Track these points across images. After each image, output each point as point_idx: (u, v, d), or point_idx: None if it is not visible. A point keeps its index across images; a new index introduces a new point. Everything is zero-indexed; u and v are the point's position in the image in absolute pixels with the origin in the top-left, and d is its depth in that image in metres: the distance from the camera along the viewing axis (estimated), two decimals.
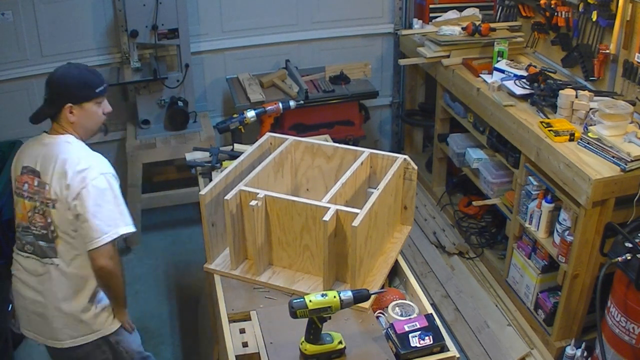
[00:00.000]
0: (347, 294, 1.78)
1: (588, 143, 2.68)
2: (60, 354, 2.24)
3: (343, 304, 1.76)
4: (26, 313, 2.25)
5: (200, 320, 3.35)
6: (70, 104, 2.05)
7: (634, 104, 2.80)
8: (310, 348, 1.82)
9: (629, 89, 2.94)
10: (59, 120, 2.08)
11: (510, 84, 3.18)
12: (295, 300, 1.76)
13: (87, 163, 2.03)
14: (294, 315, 1.76)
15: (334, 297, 1.75)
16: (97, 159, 2.08)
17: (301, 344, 1.84)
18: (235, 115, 3.08)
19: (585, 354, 2.78)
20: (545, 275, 3.03)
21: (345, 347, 1.85)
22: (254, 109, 3.10)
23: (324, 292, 1.78)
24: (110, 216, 2.03)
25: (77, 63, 2.14)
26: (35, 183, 2.06)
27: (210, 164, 2.84)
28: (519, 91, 3.13)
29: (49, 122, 2.16)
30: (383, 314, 2.09)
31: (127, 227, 2.07)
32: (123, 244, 3.90)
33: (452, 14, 4.03)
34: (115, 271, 2.10)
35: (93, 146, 4.32)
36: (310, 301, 1.74)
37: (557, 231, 2.84)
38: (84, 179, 1.99)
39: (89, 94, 2.08)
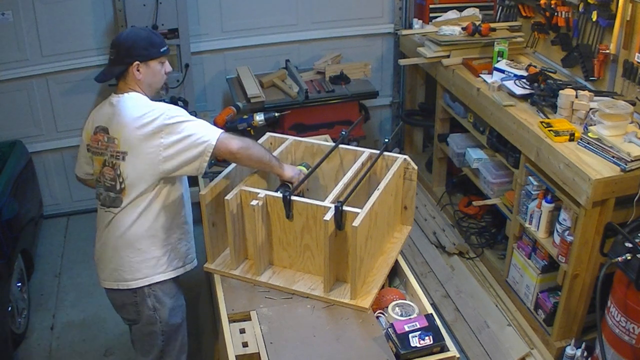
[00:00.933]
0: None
1: (588, 143, 2.68)
2: (113, 296, 2.28)
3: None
4: (98, 261, 2.29)
5: (201, 320, 3.35)
6: (137, 62, 2.12)
7: (634, 104, 2.80)
8: None
9: (629, 89, 2.94)
10: (126, 78, 2.15)
11: (510, 84, 3.18)
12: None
13: (155, 111, 2.07)
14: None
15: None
16: (163, 105, 2.12)
17: None
18: (245, 117, 3.08)
19: (585, 354, 2.78)
20: (545, 275, 3.03)
21: None
22: (264, 113, 3.09)
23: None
24: (200, 130, 2.08)
25: (143, 27, 2.32)
26: (105, 139, 2.12)
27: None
28: (519, 91, 3.13)
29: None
30: (383, 314, 2.09)
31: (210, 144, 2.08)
32: None
33: (452, 14, 4.03)
34: (244, 150, 2.14)
35: None
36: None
37: (557, 231, 2.84)
38: (162, 119, 2.05)
39: (155, 52, 2.17)
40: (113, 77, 2.17)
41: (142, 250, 2.17)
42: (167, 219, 2.19)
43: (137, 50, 2.13)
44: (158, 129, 2.04)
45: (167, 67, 2.25)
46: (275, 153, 2.44)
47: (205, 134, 2.07)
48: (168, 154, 2.05)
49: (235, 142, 2.11)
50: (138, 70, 2.13)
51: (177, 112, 2.08)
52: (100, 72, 2.21)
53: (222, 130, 2.11)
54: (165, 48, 2.22)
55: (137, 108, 2.09)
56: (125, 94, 2.14)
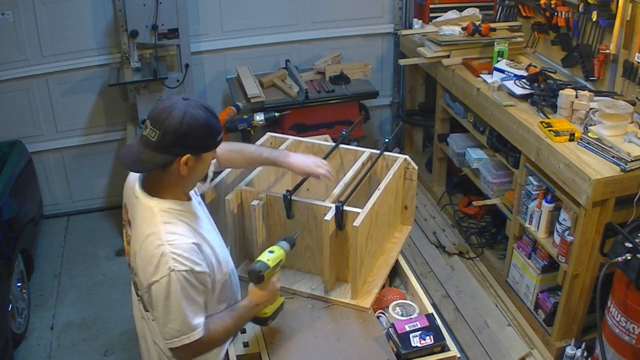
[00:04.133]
0: (283, 242, 1.91)
1: (588, 143, 2.68)
2: None
3: (285, 251, 1.90)
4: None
5: None
6: (189, 155, 1.62)
7: (634, 104, 2.80)
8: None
9: (629, 89, 2.94)
10: (165, 171, 1.64)
11: (510, 84, 3.18)
12: (256, 267, 1.79)
13: (158, 255, 1.60)
14: (261, 279, 1.79)
15: (276, 247, 1.87)
16: (172, 247, 1.61)
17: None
18: (245, 117, 3.08)
19: (585, 354, 2.78)
20: (545, 275, 3.03)
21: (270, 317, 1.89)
22: (264, 113, 3.08)
23: (269, 250, 1.86)
24: (178, 321, 1.64)
25: (195, 100, 1.64)
26: (129, 239, 1.77)
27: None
28: (519, 91, 3.13)
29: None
30: (384, 313, 2.09)
31: (194, 333, 1.66)
32: (122, 246, 3.90)
33: (452, 14, 4.03)
34: (203, 352, 1.78)
35: (93, 146, 4.32)
36: (268, 260, 1.81)
37: (557, 231, 2.84)
38: (153, 273, 1.61)
39: (212, 143, 1.66)
40: (155, 169, 1.64)
41: None
42: None
43: (192, 140, 1.60)
44: (150, 279, 1.62)
45: (215, 155, 1.76)
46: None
47: (172, 335, 1.65)
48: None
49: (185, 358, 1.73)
50: (186, 164, 1.62)
51: (174, 281, 1.60)
52: (137, 159, 1.62)
53: (187, 343, 1.66)
54: (221, 135, 1.70)
55: (149, 236, 1.63)
56: (150, 201, 1.67)
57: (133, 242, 1.69)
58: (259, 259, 1.83)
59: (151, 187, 1.68)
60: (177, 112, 1.57)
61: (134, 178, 1.75)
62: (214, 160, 1.89)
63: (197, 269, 1.63)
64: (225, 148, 2.02)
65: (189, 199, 1.76)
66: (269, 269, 1.80)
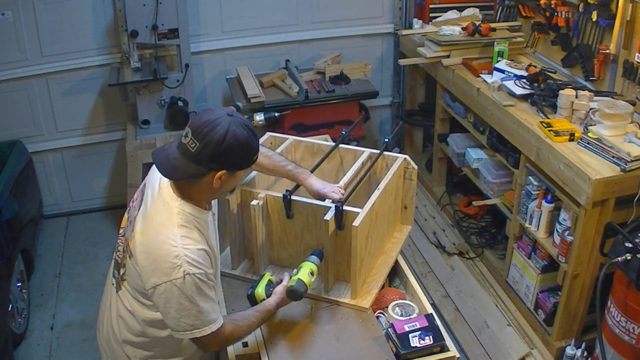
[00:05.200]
0: (313, 257, 1.99)
1: (588, 143, 2.68)
2: None
3: (317, 265, 1.98)
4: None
5: None
6: (225, 171, 1.64)
7: (634, 104, 2.80)
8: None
9: (629, 89, 2.94)
10: (198, 181, 1.65)
11: (510, 84, 3.18)
12: (297, 287, 1.88)
13: (173, 256, 1.61)
14: (301, 297, 1.91)
15: (312, 265, 1.96)
16: (187, 251, 1.62)
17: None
18: (245, 117, 3.07)
19: (585, 354, 2.78)
20: (545, 275, 3.03)
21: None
22: (264, 113, 3.08)
23: (300, 267, 1.95)
24: (192, 317, 1.67)
25: (238, 116, 1.65)
26: (133, 217, 1.76)
27: None
28: (519, 91, 3.13)
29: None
30: (383, 314, 2.09)
31: (206, 328, 1.69)
32: None
33: (452, 14, 4.03)
34: (226, 344, 1.82)
35: (93, 146, 4.32)
36: (305, 279, 1.91)
37: (557, 231, 2.84)
38: (166, 274, 1.61)
39: (248, 162, 1.69)
40: (188, 178, 1.64)
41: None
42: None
43: (231, 158, 1.62)
44: (160, 279, 1.63)
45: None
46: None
47: (182, 328, 1.67)
48: (148, 294, 1.69)
49: (209, 348, 1.78)
50: (220, 179, 1.64)
51: (189, 283, 1.62)
52: (171, 164, 1.61)
53: (200, 336, 1.69)
54: (257, 155, 1.72)
55: (165, 236, 1.63)
56: (175, 202, 1.67)
57: (142, 229, 1.68)
58: (297, 277, 1.91)
59: (179, 188, 1.69)
60: (221, 128, 1.57)
61: (152, 172, 1.78)
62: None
63: (209, 271, 1.68)
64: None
65: (209, 208, 1.78)
66: (307, 289, 1.92)
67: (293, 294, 1.89)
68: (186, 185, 1.67)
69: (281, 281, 1.98)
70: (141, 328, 1.78)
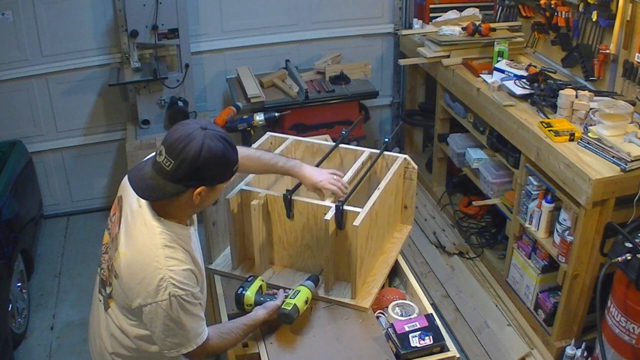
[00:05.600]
0: (309, 283, 2.04)
1: (588, 143, 2.68)
2: None
3: (312, 292, 2.02)
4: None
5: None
6: (204, 187, 1.59)
7: (634, 104, 2.80)
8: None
9: (629, 89, 2.94)
10: (177, 199, 1.60)
11: (510, 84, 3.18)
12: (289, 311, 1.91)
13: (157, 279, 1.59)
14: (293, 321, 1.93)
15: (308, 292, 1.99)
16: (172, 272, 1.60)
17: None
18: (245, 117, 3.08)
19: (585, 354, 2.78)
20: (545, 275, 3.03)
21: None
22: (264, 113, 3.08)
23: (297, 290, 1.99)
24: (178, 336, 1.67)
25: (213, 128, 1.60)
26: (116, 231, 1.71)
27: None
28: (519, 91, 3.13)
29: None
30: (383, 314, 2.09)
31: (192, 343, 1.69)
32: None
33: (452, 14, 4.03)
34: (213, 354, 1.81)
35: (93, 146, 4.31)
36: (299, 308, 1.94)
37: (557, 231, 2.84)
38: (151, 295, 1.60)
39: (228, 174, 1.64)
40: (167, 198, 1.59)
41: None
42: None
43: (208, 172, 1.57)
44: (145, 300, 1.61)
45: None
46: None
47: (170, 347, 1.68)
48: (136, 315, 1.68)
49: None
50: (199, 194, 1.60)
51: (174, 304, 1.60)
52: (148, 185, 1.57)
53: (189, 351, 1.70)
54: (237, 165, 1.66)
55: (150, 259, 1.60)
56: (156, 224, 1.63)
57: (125, 250, 1.64)
58: (294, 302, 1.94)
59: (158, 207, 1.65)
60: (195, 144, 1.52)
61: (126, 185, 1.71)
62: None
63: (194, 290, 1.66)
64: (242, 154, 1.90)
65: (191, 223, 1.76)
66: (299, 313, 1.95)
67: (284, 318, 1.92)
68: (166, 204, 1.63)
69: (274, 295, 2.00)
70: (133, 344, 1.77)
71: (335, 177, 2.14)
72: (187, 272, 1.64)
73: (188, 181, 1.55)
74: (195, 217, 1.83)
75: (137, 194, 1.61)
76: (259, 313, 1.92)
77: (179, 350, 1.69)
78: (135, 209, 1.67)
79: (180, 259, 1.63)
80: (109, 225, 1.77)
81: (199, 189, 1.58)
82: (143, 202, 1.65)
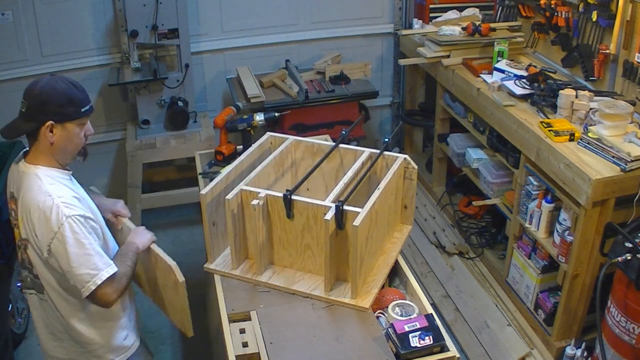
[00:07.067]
0: None
1: (588, 143, 2.68)
2: None
3: None
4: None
5: (201, 320, 3.35)
6: (51, 122, 1.80)
7: (634, 104, 2.80)
8: None
9: (629, 89, 2.94)
10: (37, 138, 1.83)
11: (510, 84, 3.18)
12: None
13: (50, 207, 1.77)
14: None
15: None
16: (61, 198, 1.80)
17: None
18: (245, 117, 3.08)
19: (585, 354, 2.78)
20: (545, 275, 3.03)
21: None
22: (264, 113, 3.08)
23: None
24: (87, 264, 1.80)
25: (61, 76, 1.89)
26: (14, 214, 1.91)
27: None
28: (519, 91, 3.13)
29: None
30: (383, 314, 2.09)
31: (103, 272, 1.82)
32: None
33: (452, 14, 4.03)
34: (121, 293, 1.92)
35: (93, 146, 4.32)
36: None
37: (557, 231, 2.84)
38: (51, 227, 1.77)
39: (74, 112, 1.83)
40: (23, 134, 1.84)
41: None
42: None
43: (53, 107, 1.79)
44: (48, 236, 1.78)
45: (89, 128, 1.92)
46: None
47: (87, 278, 1.80)
48: (53, 263, 1.84)
49: (108, 299, 1.85)
50: (51, 132, 1.81)
51: (72, 225, 1.78)
52: (9, 126, 1.87)
53: (103, 280, 1.81)
54: (87, 107, 1.87)
55: (35, 196, 1.79)
56: (31, 168, 1.84)
57: (21, 211, 1.83)
58: None
59: (30, 156, 1.87)
60: (41, 84, 1.82)
61: (13, 169, 1.93)
62: (90, 135, 1.98)
63: (87, 214, 1.84)
64: None
65: (69, 170, 1.96)
66: None
67: None
68: (33, 150, 1.86)
69: None
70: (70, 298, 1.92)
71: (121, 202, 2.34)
72: (76, 199, 1.84)
73: (37, 116, 1.79)
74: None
75: (2, 135, 1.87)
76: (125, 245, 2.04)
77: (94, 282, 1.79)
78: (17, 178, 1.88)
79: (66, 190, 1.85)
80: (15, 222, 1.91)
81: (47, 124, 1.79)
82: (22, 164, 1.87)
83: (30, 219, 1.80)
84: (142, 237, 2.11)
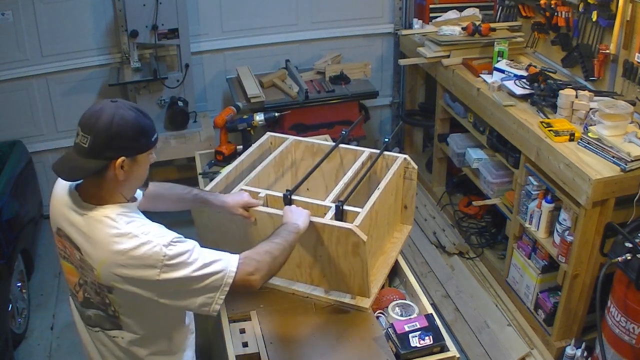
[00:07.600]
0: None
1: (588, 143, 2.68)
2: None
3: None
4: None
5: (201, 320, 3.35)
6: (124, 157, 1.55)
7: (634, 104, 2.79)
8: None
9: (629, 89, 2.94)
10: (103, 177, 1.56)
11: (510, 84, 3.18)
12: None
13: (142, 242, 1.54)
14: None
15: None
16: (146, 228, 1.59)
17: None
18: (245, 117, 3.08)
19: (585, 354, 2.78)
20: (545, 275, 3.03)
21: None
22: (264, 113, 3.08)
23: None
24: (208, 272, 1.59)
25: (124, 101, 1.60)
26: (77, 257, 1.62)
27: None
28: (519, 91, 3.13)
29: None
30: (383, 314, 2.09)
31: (230, 264, 1.61)
32: None
33: (452, 14, 4.03)
34: (269, 271, 1.71)
35: None
36: None
37: (557, 231, 2.84)
38: (152, 264, 1.53)
39: (146, 144, 1.59)
40: (89, 176, 1.56)
41: None
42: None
43: (124, 141, 1.53)
44: (152, 272, 1.54)
45: (154, 156, 1.67)
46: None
47: (209, 295, 1.60)
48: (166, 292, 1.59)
49: (252, 283, 1.65)
50: (122, 168, 1.55)
51: (173, 251, 1.56)
52: (70, 167, 1.55)
53: (230, 284, 1.61)
54: (156, 135, 1.63)
55: (122, 244, 1.53)
56: (100, 210, 1.57)
57: (98, 259, 1.55)
58: None
59: (92, 199, 1.59)
60: (106, 115, 1.52)
61: (60, 201, 1.65)
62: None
63: (177, 235, 1.61)
64: (150, 193, 1.91)
65: (134, 199, 1.72)
66: None
67: None
68: (97, 191, 1.59)
69: None
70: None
71: (246, 193, 2.10)
72: (156, 225, 1.61)
73: (106, 153, 1.53)
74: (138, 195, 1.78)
75: (63, 178, 1.60)
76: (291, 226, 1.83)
77: (225, 280, 1.58)
78: (78, 222, 1.60)
79: (145, 222, 1.61)
80: (68, 257, 1.68)
81: (119, 161, 1.54)
82: (79, 210, 1.60)
83: (119, 265, 1.54)
84: (300, 215, 1.90)
